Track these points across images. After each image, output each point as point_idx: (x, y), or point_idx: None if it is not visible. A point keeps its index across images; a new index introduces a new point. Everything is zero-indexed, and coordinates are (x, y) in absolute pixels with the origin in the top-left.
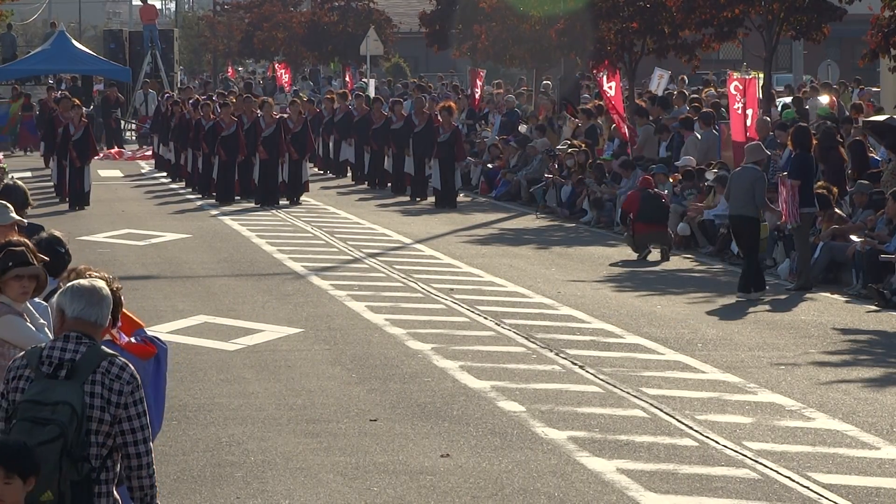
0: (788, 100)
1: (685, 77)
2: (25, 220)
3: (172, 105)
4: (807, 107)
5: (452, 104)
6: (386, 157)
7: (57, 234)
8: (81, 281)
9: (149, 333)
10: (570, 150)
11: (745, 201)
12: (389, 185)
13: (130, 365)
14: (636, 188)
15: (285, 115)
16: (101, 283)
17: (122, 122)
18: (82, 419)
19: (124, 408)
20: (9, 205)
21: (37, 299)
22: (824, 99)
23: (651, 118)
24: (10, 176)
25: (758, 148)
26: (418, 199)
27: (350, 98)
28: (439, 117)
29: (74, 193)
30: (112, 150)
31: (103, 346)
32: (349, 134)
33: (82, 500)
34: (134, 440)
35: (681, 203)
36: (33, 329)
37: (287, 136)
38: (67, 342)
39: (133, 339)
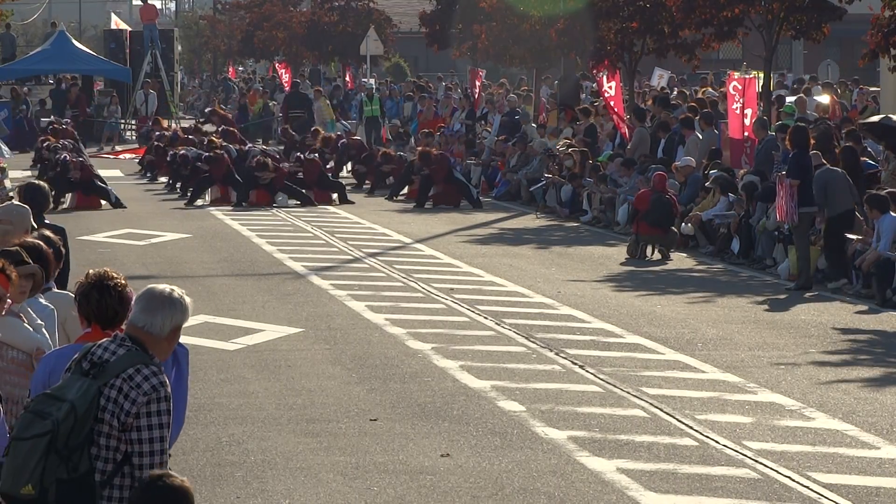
0: (792, 99)
1: (674, 75)
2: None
3: (169, 141)
4: (808, 110)
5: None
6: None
7: (46, 232)
8: (156, 286)
9: None
10: (569, 150)
11: (847, 200)
12: (389, 179)
13: (159, 377)
14: (651, 188)
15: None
16: (171, 292)
17: (123, 123)
18: (82, 419)
19: (135, 417)
20: (28, 208)
21: (43, 301)
22: (824, 98)
23: (651, 116)
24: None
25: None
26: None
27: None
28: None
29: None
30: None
31: (142, 352)
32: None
33: (77, 500)
34: (140, 451)
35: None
36: (31, 329)
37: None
38: (113, 342)
39: None
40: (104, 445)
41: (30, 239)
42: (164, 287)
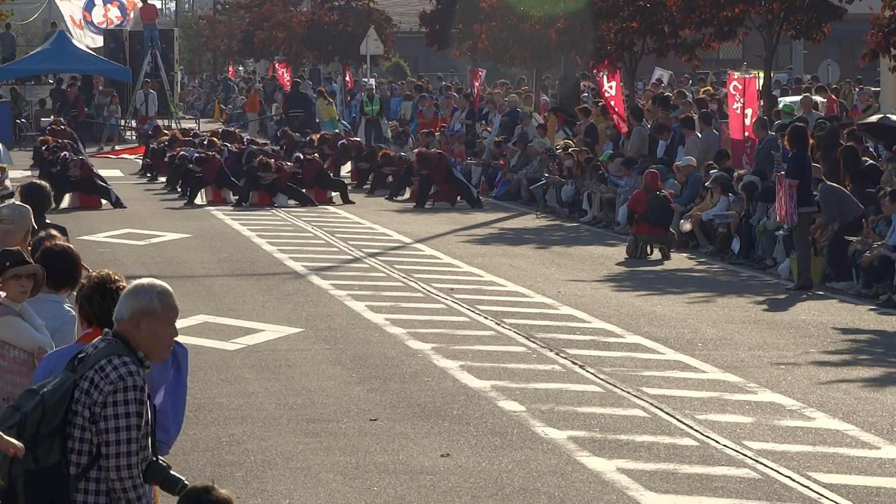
0: (797, 98)
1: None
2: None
3: (169, 143)
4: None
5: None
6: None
7: (52, 232)
8: (140, 280)
9: None
10: (569, 150)
11: (855, 206)
12: (389, 178)
13: (128, 367)
14: (644, 188)
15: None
16: (150, 282)
17: (123, 123)
18: (51, 411)
19: (102, 406)
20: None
21: (66, 306)
22: (820, 98)
23: (651, 117)
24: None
25: None
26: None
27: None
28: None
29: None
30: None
31: (121, 345)
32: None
33: (46, 491)
34: (106, 440)
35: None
36: (32, 329)
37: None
38: (100, 339)
39: None
40: (78, 438)
41: (60, 242)
42: (145, 280)
